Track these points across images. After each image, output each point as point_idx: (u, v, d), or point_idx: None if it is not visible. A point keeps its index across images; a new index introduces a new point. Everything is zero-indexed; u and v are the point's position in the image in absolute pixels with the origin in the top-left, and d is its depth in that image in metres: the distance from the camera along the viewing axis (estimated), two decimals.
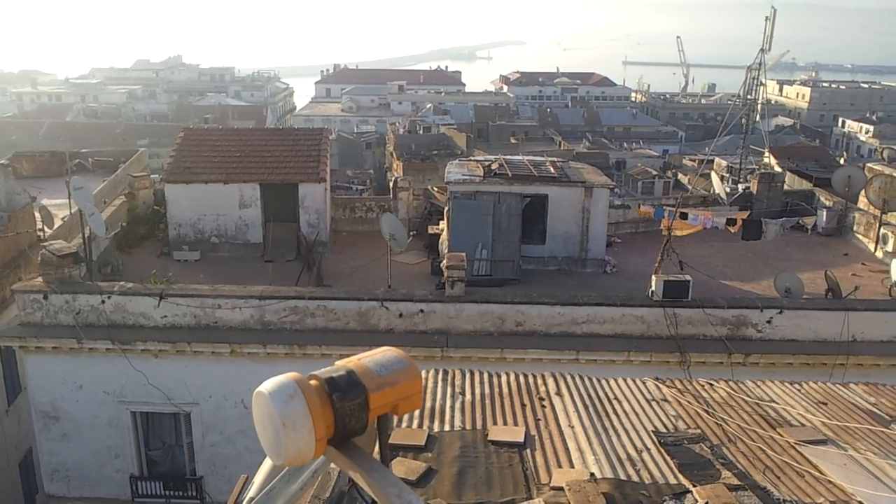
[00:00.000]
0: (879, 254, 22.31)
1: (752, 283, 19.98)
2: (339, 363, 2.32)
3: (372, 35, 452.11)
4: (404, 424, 7.31)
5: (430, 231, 22.88)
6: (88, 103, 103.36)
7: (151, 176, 26.48)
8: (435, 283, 19.13)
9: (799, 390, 8.90)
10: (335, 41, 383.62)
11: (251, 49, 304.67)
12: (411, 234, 22.91)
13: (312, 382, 2.20)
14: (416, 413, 7.60)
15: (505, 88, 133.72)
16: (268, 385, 2.16)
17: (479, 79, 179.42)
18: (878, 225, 22.69)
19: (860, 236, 23.83)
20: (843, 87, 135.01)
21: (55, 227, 21.42)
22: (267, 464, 2.52)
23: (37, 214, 21.69)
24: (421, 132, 68.93)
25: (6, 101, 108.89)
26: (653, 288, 16.38)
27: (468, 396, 8.14)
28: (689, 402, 8.22)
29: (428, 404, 7.86)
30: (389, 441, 2.41)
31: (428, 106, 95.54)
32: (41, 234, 21.36)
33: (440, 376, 8.66)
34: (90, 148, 36.47)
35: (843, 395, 8.79)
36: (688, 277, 16.49)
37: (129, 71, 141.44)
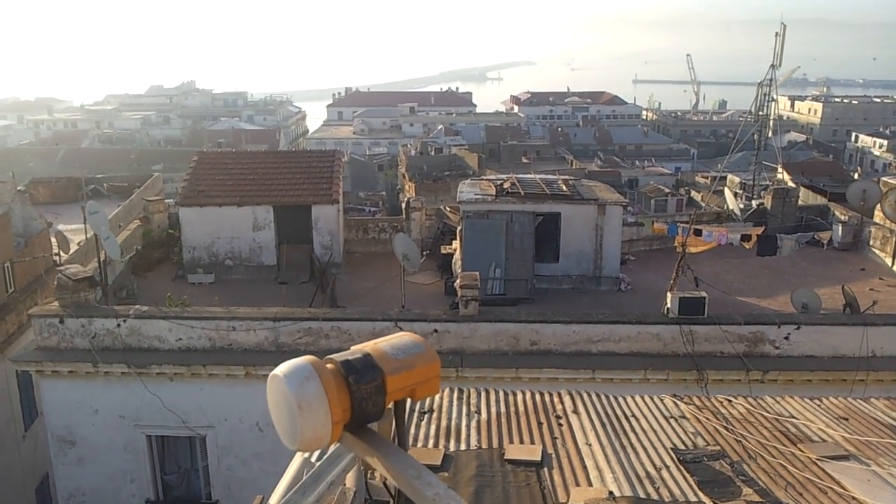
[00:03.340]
0: None
1: (769, 299, 19.81)
2: (355, 347, 2.28)
3: (383, 58, 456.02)
4: (420, 444, 7.26)
5: (443, 251, 22.87)
6: (103, 129, 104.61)
7: (166, 200, 26.68)
8: (449, 302, 19.08)
9: (819, 405, 8.78)
10: (347, 65, 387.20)
11: (264, 74, 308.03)
12: (424, 254, 22.91)
13: (329, 365, 2.16)
14: (432, 432, 7.56)
15: (516, 108, 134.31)
16: (283, 367, 2.11)
17: (489, 99, 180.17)
18: (894, 239, 22.48)
19: (877, 251, 23.61)
20: (856, 102, 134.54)
21: (71, 251, 21.59)
22: (295, 463, 2.48)
23: (53, 239, 21.89)
24: (432, 153, 69.23)
25: (23, 129, 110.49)
26: (668, 305, 16.26)
27: (484, 415, 8.09)
28: (707, 419, 8.13)
29: (444, 423, 7.81)
30: None
31: (439, 127, 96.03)
32: (57, 258, 21.54)
33: (455, 395, 8.61)
34: (105, 173, 36.87)
35: (865, 410, 8.66)
36: (703, 294, 16.36)
37: (144, 97, 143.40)
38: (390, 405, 2.30)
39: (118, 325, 15.95)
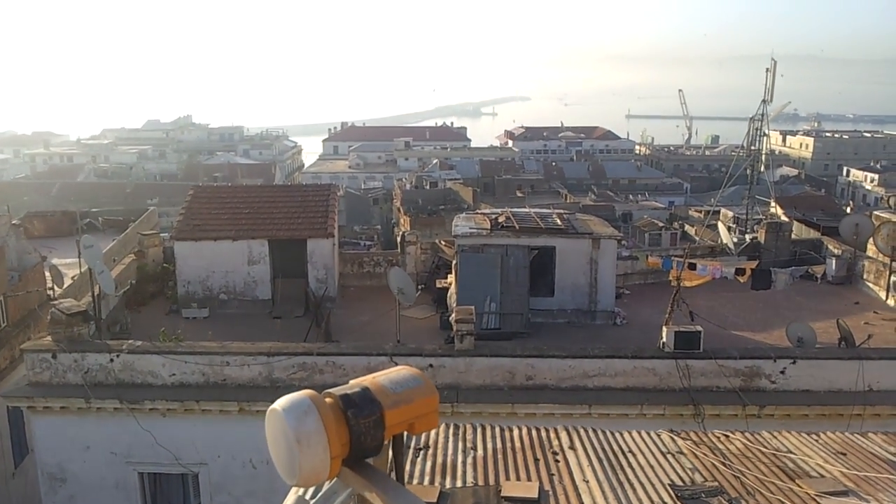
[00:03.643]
0: (891, 302, 22.13)
1: (764, 333, 19.80)
2: (353, 381, 2.28)
3: (378, 93, 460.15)
4: (415, 481, 7.19)
5: (439, 285, 22.86)
6: (99, 164, 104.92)
7: (161, 234, 26.68)
8: (444, 337, 19.02)
9: (817, 440, 8.74)
10: (342, 100, 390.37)
11: (260, 108, 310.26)
12: (419, 288, 22.88)
13: (327, 399, 2.16)
14: (428, 469, 7.49)
15: (510, 143, 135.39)
16: (282, 402, 2.11)
17: (484, 134, 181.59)
18: (888, 273, 22.56)
19: (871, 284, 23.68)
20: (846, 137, 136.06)
21: (65, 285, 21.51)
22: (289, 501, 2.46)
23: (47, 273, 21.82)
24: (427, 187, 69.54)
25: (19, 163, 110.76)
26: (664, 339, 16.24)
27: (480, 451, 8.02)
28: (704, 455, 8.08)
29: (439, 460, 7.74)
30: None
31: (434, 161, 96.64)
32: (51, 292, 21.45)
33: (451, 431, 8.55)
34: (101, 207, 36.91)
35: (863, 445, 8.62)
36: (699, 328, 16.36)
37: (140, 131, 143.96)
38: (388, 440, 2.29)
39: (111, 360, 15.83)
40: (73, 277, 22.04)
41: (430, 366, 15.80)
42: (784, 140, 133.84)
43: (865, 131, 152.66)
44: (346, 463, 2.14)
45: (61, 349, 15.82)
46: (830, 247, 26.27)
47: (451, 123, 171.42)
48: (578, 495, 6.94)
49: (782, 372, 15.79)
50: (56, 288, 21.45)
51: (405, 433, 2.36)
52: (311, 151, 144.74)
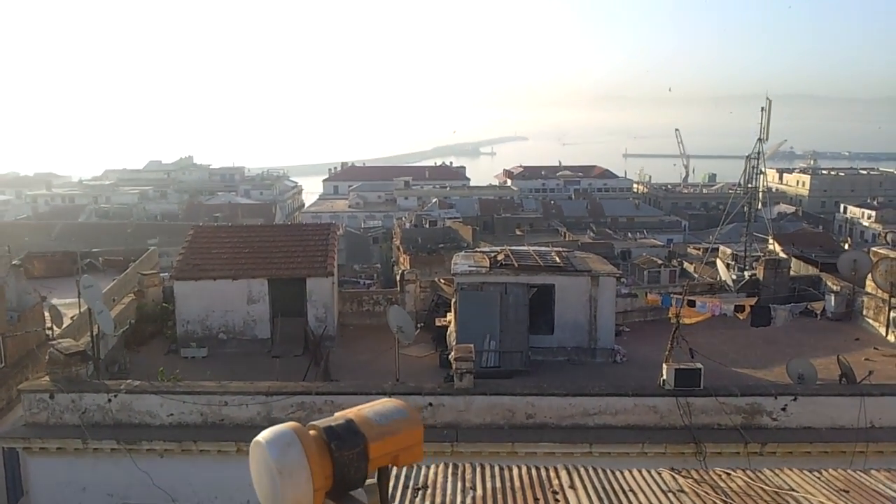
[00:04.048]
0: (892, 338, 22.10)
1: (764, 369, 19.73)
2: (338, 413, 2.28)
3: (378, 134, 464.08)
4: None
5: (438, 323, 22.83)
6: (101, 204, 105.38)
7: (161, 274, 26.72)
8: (444, 375, 18.94)
9: (819, 478, 8.66)
10: (343, 140, 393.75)
11: (261, 149, 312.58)
12: (419, 326, 22.86)
13: (311, 432, 2.16)
14: None
15: (509, 182, 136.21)
16: (265, 434, 2.11)
17: (483, 173, 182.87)
18: (887, 308, 22.56)
19: (870, 320, 23.66)
20: (843, 174, 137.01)
21: (64, 325, 21.48)
22: None
23: (46, 314, 21.79)
24: (427, 226, 69.81)
25: (21, 204, 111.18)
26: (664, 377, 16.18)
27: (479, 491, 7.95)
28: (706, 493, 8.01)
29: (438, 500, 7.67)
30: None
31: (433, 200, 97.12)
32: (50, 332, 21.39)
33: (450, 471, 8.49)
34: (101, 248, 37.00)
35: (866, 483, 8.55)
36: (699, 365, 16.30)
37: (142, 172, 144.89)
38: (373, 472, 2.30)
39: (109, 401, 15.74)
40: (72, 317, 22.02)
41: (430, 404, 15.72)
42: (781, 178, 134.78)
43: (861, 169, 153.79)
44: (329, 496, 2.15)
45: (59, 389, 15.74)
46: (829, 283, 26.30)
47: (451, 163, 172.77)
48: None
49: (784, 409, 15.70)
50: (55, 328, 21.41)
51: (392, 466, 2.36)
52: (311, 191, 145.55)
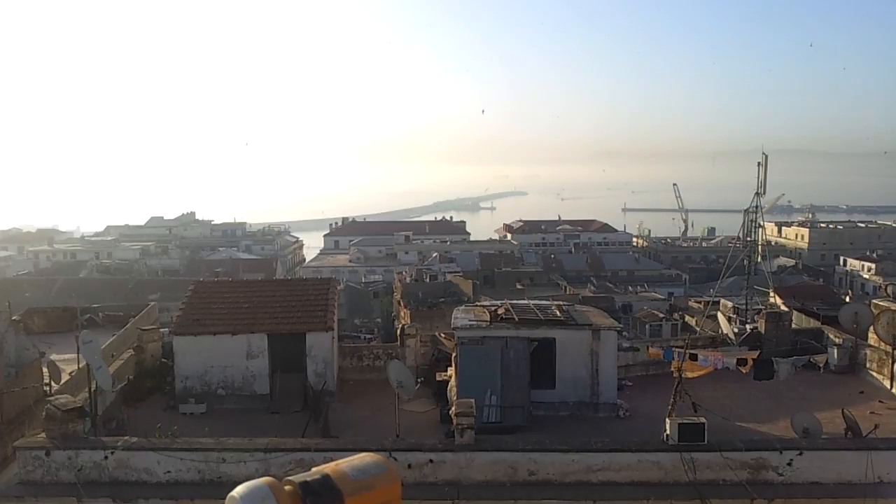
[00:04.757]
0: None
1: (769, 424, 19.51)
2: (316, 468, 2.27)
3: (379, 191, 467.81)
4: None
5: (439, 378, 22.67)
6: (102, 260, 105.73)
7: (161, 329, 26.65)
8: (444, 431, 18.71)
9: None
10: (345, 196, 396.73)
11: (264, 205, 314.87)
12: (419, 381, 22.67)
13: (287, 487, 2.15)
14: None
15: (509, 236, 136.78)
16: (241, 489, 2.10)
17: (483, 228, 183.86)
18: (891, 361, 22.43)
19: (874, 373, 23.49)
20: (841, 227, 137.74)
21: (62, 381, 21.33)
22: None
23: (45, 369, 21.66)
24: (427, 280, 69.78)
25: (23, 260, 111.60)
26: (667, 431, 16.01)
27: None
28: None
29: None
30: None
31: (434, 255, 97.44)
32: (48, 388, 21.23)
33: None
34: (102, 303, 36.98)
35: None
36: (703, 420, 16.14)
37: (144, 228, 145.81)
38: None
39: (105, 458, 15.55)
40: (71, 373, 21.89)
41: (431, 461, 15.51)
42: (780, 231, 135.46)
43: (860, 221, 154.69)
44: None
45: (55, 446, 15.56)
46: (831, 335, 26.19)
47: (451, 218, 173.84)
48: None
49: (789, 464, 15.48)
50: (53, 384, 21.25)
51: None
52: (312, 246, 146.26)
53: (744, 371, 20.15)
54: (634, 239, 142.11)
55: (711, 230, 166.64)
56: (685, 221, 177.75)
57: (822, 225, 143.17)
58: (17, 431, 18.97)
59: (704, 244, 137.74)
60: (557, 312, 21.93)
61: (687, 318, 54.94)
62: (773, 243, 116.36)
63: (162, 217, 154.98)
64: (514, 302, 24.17)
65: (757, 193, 53.80)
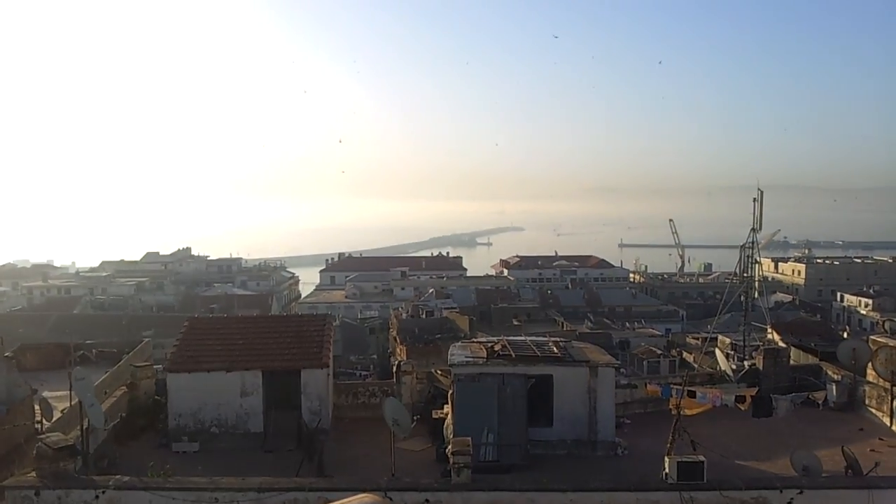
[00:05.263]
0: None
1: (768, 462, 19.30)
2: None
3: (375, 227, 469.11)
4: None
5: (435, 415, 22.44)
6: (97, 296, 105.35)
7: (154, 366, 26.44)
8: (441, 470, 18.47)
9: None
10: (341, 232, 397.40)
11: (261, 240, 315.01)
12: (415, 419, 22.44)
13: None
14: None
15: (505, 272, 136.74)
16: None
17: (479, 263, 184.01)
18: (890, 398, 22.30)
19: (873, 410, 23.33)
20: (838, 263, 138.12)
21: (54, 418, 21.06)
22: None
23: (36, 407, 21.41)
24: (424, 316, 69.57)
25: (17, 295, 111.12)
26: (666, 470, 15.83)
27: None
28: None
29: None
30: None
31: (430, 290, 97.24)
32: (39, 426, 20.96)
33: None
34: (96, 339, 36.74)
35: None
36: (702, 458, 15.98)
37: (139, 263, 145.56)
38: None
39: (97, 497, 15.30)
40: (63, 410, 21.63)
41: (427, 501, 15.30)
42: (776, 267, 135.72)
43: (856, 257, 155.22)
44: None
45: (45, 486, 15.31)
46: (829, 372, 26.08)
47: (447, 253, 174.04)
48: None
49: (790, 502, 15.28)
50: (45, 421, 20.99)
51: None
52: (308, 282, 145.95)
53: (742, 408, 19.97)
54: (631, 275, 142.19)
55: (708, 266, 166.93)
56: (682, 257, 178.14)
57: (819, 260, 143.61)
58: (6, 470, 18.67)
59: (701, 280, 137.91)
60: (555, 349, 21.82)
61: (685, 354, 54.74)
62: (769, 279, 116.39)
63: (158, 252, 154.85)
64: (511, 338, 24.05)
65: (753, 229, 54.08)
